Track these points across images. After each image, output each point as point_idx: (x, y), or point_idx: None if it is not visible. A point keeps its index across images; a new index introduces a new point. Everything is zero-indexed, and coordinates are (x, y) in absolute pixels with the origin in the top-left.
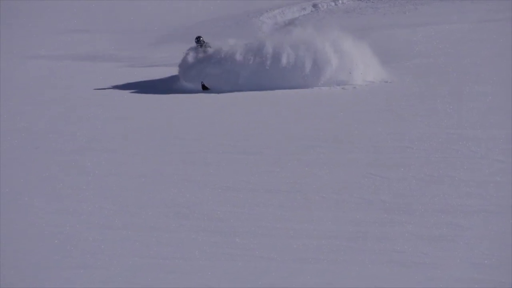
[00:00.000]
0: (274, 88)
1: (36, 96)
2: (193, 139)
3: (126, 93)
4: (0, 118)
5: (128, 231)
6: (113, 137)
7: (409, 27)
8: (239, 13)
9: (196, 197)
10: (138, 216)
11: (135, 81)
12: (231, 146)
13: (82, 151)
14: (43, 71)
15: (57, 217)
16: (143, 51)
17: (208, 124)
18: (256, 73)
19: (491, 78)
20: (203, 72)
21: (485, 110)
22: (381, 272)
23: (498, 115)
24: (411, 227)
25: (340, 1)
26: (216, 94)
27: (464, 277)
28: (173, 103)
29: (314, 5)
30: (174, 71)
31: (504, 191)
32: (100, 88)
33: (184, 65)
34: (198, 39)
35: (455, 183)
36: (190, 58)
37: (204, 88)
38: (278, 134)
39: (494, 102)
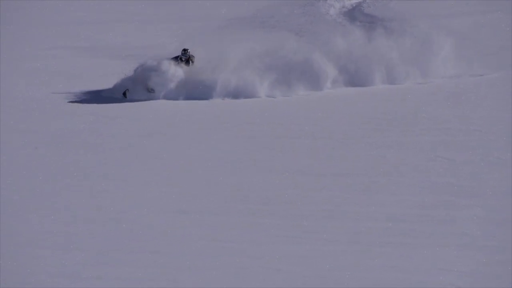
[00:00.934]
0: None
1: (100, 85)
2: (260, 125)
3: None
4: (65, 104)
5: (195, 215)
6: (179, 123)
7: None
8: None
9: (262, 181)
10: (204, 200)
11: None
12: (299, 130)
13: (149, 136)
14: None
15: (124, 202)
16: (207, 40)
17: (273, 111)
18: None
19: None
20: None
21: None
22: (448, 255)
23: None
24: (479, 210)
25: None
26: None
27: None
28: None
29: None
30: None
31: None
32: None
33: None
34: (184, 51)
35: None
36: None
37: (125, 96)
38: (345, 118)
39: None
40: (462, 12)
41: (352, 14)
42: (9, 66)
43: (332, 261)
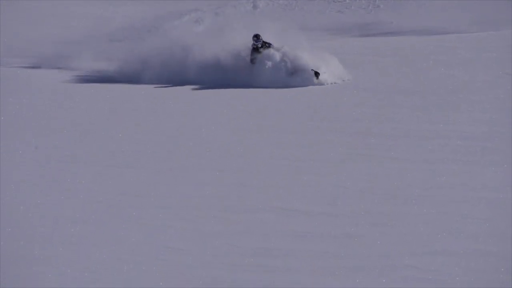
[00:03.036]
0: None
1: None
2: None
3: None
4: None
5: (263, 134)
6: None
7: None
8: None
9: (332, 100)
10: (274, 120)
11: None
12: (364, 48)
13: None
14: None
15: (194, 120)
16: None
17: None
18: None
19: None
20: None
21: None
22: None
23: None
24: None
25: None
26: None
27: None
28: None
29: None
30: None
31: None
32: None
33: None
34: (257, 37)
35: None
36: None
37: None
38: (414, 35)
39: None
40: None
41: None
42: None
43: (400, 179)
